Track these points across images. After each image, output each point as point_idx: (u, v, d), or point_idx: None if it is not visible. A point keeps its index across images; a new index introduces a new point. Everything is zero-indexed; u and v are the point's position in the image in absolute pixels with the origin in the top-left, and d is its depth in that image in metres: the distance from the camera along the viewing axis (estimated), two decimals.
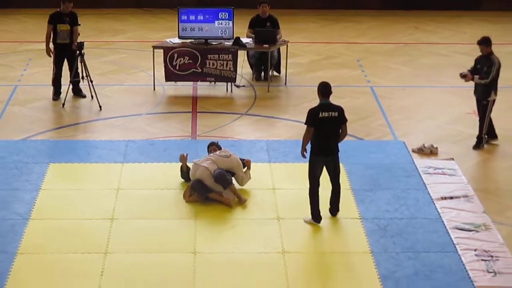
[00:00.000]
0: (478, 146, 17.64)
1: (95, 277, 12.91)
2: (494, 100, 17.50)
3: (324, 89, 14.04)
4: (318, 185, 14.30)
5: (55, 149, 17.68)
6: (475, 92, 17.64)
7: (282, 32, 21.77)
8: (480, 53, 17.52)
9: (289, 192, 15.60)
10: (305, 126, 14.15)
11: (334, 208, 14.60)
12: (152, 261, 13.43)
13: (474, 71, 17.48)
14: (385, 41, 26.04)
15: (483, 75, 17.25)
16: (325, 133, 14.04)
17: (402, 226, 14.57)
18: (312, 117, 13.99)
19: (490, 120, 17.71)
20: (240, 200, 15.19)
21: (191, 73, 20.91)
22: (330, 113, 13.99)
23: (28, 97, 20.53)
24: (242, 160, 15.90)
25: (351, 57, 24.10)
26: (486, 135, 17.78)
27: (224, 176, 15.20)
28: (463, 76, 17.56)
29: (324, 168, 14.34)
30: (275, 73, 21.95)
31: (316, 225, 14.46)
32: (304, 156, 14.28)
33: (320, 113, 13.96)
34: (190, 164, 15.63)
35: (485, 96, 17.43)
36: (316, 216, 14.36)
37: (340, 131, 14.16)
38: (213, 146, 15.97)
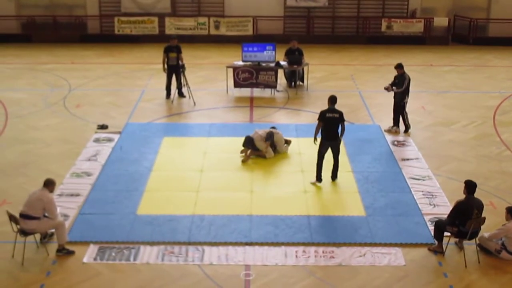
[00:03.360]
0: (406, 130, 17.33)
1: (191, 206, 13.04)
2: (406, 102, 17.23)
3: (332, 99, 14.09)
4: (323, 159, 14.16)
5: (167, 128, 17.75)
6: (395, 97, 17.35)
7: (305, 58, 21.65)
8: (396, 73, 17.27)
9: (309, 155, 15.54)
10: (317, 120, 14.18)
11: (333, 175, 14.32)
12: (226, 196, 13.54)
13: (393, 84, 17.25)
14: (368, 63, 25.79)
15: (399, 86, 17.09)
16: (329, 126, 13.97)
17: (378, 176, 14.52)
18: (322, 115, 13.98)
19: (405, 114, 17.35)
20: (264, 156, 15.46)
21: (249, 83, 20.81)
22: (333, 114, 13.97)
23: (151, 97, 20.57)
24: (286, 139, 16.01)
25: (347, 73, 23.90)
26: (395, 125, 17.42)
27: (271, 135, 15.54)
28: (385, 88, 17.40)
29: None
30: (300, 83, 21.80)
31: (325, 174, 14.27)
32: (315, 143, 14.18)
33: (327, 114, 13.97)
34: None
35: (401, 100, 17.19)
36: (318, 178, 14.20)
37: (340, 126, 14.08)
38: (272, 128, 16.13)
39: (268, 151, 15.48)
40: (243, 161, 15.37)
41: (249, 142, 15.57)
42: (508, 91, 21.76)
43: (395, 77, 17.31)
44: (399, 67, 17.23)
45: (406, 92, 17.14)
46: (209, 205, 13.08)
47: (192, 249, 11.47)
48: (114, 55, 26.98)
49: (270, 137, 15.53)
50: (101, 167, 14.90)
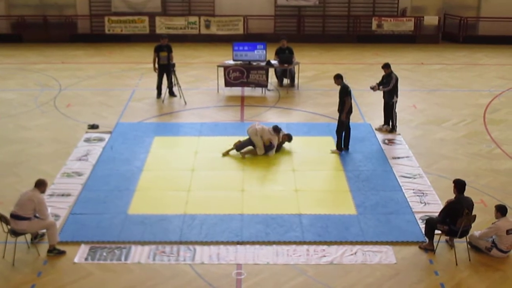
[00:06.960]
0: (392, 130, 17.27)
1: (182, 205, 13.00)
2: (396, 101, 17.17)
3: (340, 76, 15.61)
4: (343, 131, 15.59)
5: (158, 128, 17.70)
6: (384, 97, 17.31)
7: (295, 57, 21.66)
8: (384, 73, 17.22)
9: (300, 154, 15.59)
10: (344, 100, 15.39)
11: (345, 146, 15.70)
12: (218, 195, 13.51)
13: (380, 83, 17.21)
14: (359, 62, 25.83)
15: (386, 85, 17.07)
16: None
17: (369, 175, 14.53)
18: (349, 92, 15.37)
19: (394, 114, 17.27)
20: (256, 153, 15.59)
21: (240, 82, 20.81)
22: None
23: (142, 96, 20.54)
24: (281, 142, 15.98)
25: (338, 72, 23.84)
26: (385, 123, 17.41)
27: (278, 128, 15.78)
28: (371, 88, 17.39)
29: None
30: (291, 82, 21.85)
31: (317, 173, 14.46)
32: (345, 120, 15.51)
33: (349, 88, 15.46)
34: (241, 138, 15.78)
35: (390, 99, 17.15)
36: (338, 148, 15.60)
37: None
38: (279, 130, 15.93)
39: (259, 147, 15.48)
40: (223, 154, 15.53)
41: (243, 145, 15.63)
42: (498, 89, 21.85)
43: (383, 77, 17.33)
44: (386, 66, 17.25)
45: (394, 92, 17.13)
46: (200, 204, 13.05)
47: (183, 248, 11.45)
48: (105, 55, 26.93)
49: (277, 132, 15.70)
50: (92, 167, 14.86)
